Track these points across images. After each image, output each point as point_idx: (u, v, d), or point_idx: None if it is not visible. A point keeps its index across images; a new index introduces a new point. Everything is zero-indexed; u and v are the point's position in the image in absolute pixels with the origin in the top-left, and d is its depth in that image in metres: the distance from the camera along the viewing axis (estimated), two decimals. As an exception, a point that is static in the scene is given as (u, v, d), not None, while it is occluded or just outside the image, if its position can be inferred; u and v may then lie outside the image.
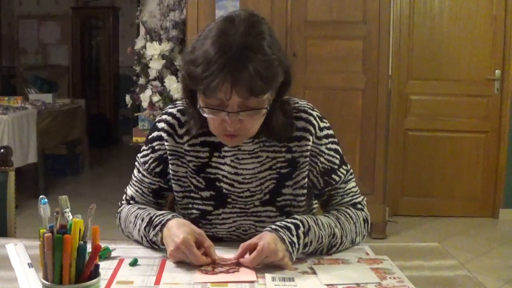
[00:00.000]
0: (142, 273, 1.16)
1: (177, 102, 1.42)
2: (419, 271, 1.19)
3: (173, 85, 3.70)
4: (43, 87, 6.21)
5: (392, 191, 4.32)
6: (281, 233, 1.21)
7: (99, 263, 0.95)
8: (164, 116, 1.38)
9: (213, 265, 1.19)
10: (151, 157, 1.38)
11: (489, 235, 4.06)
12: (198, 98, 1.23)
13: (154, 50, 3.72)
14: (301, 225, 1.24)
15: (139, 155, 1.41)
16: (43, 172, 4.91)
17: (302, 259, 1.24)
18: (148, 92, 3.75)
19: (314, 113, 1.36)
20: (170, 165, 1.36)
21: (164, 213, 1.30)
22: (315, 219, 1.28)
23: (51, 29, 7.85)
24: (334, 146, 1.37)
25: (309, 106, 1.38)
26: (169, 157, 1.36)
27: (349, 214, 1.36)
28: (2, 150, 1.64)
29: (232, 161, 1.34)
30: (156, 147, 1.37)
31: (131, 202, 1.43)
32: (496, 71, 4.30)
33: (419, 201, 4.45)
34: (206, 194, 1.35)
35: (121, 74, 7.69)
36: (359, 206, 1.40)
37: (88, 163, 6.06)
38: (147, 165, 1.39)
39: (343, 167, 1.39)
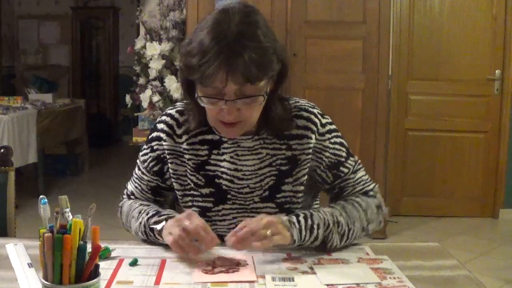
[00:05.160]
0: (142, 273, 1.16)
1: (177, 103, 1.45)
2: (419, 271, 1.19)
3: (173, 85, 3.70)
4: (43, 87, 6.21)
5: (392, 191, 4.32)
6: (280, 215, 1.26)
7: (99, 263, 0.95)
8: (163, 118, 1.41)
9: (213, 264, 1.19)
10: (150, 156, 1.42)
11: (489, 235, 4.06)
12: (196, 90, 1.24)
13: (154, 50, 3.72)
14: (301, 213, 1.28)
15: (140, 153, 1.45)
16: (43, 172, 4.91)
17: (302, 259, 1.24)
18: (148, 92, 3.75)
19: (315, 111, 1.38)
20: (169, 164, 1.39)
21: (172, 211, 1.36)
22: (317, 209, 1.31)
23: (51, 29, 7.84)
24: (338, 140, 1.39)
25: (309, 105, 1.39)
26: (168, 157, 1.38)
27: (357, 202, 1.37)
28: (2, 150, 1.64)
29: (231, 157, 1.35)
30: (155, 147, 1.40)
31: (132, 197, 1.48)
32: (496, 71, 4.30)
33: (419, 201, 4.45)
34: (206, 191, 1.37)
35: (121, 74, 7.69)
36: (371, 193, 1.41)
37: (88, 163, 6.06)
38: (146, 164, 1.43)
39: (351, 158, 1.40)
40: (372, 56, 3.67)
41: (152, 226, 1.30)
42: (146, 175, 1.43)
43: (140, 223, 1.34)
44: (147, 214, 1.34)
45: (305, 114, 1.36)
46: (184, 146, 1.37)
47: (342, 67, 3.70)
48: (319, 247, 1.28)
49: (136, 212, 1.38)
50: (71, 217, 0.97)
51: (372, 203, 1.38)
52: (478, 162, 4.41)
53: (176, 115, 1.39)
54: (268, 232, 1.18)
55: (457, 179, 4.43)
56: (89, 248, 0.92)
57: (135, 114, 4.00)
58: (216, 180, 1.36)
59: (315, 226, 1.25)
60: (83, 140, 5.91)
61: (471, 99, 4.36)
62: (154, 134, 1.41)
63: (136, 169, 1.46)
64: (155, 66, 3.74)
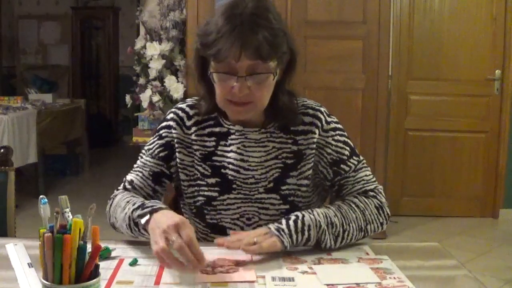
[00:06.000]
0: (142, 273, 1.16)
1: (187, 99, 1.49)
2: (419, 271, 1.19)
3: (173, 85, 3.70)
4: (43, 87, 6.21)
5: (392, 191, 4.32)
6: (268, 225, 1.28)
7: (99, 263, 0.95)
8: (173, 110, 1.46)
9: (213, 265, 1.19)
10: (156, 144, 1.43)
11: (489, 235, 4.06)
12: (209, 69, 1.30)
13: (154, 50, 3.72)
14: (292, 216, 1.29)
15: (145, 147, 1.47)
16: (43, 172, 4.90)
17: (302, 259, 1.24)
18: (148, 92, 3.74)
19: (322, 109, 1.42)
20: (177, 153, 1.41)
21: (158, 202, 1.29)
22: (309, 211, 1.32)
23: (51, 29, 7.84)
24: (342, 138, 1.42)
25: (316, 104, 1.44)
26: (176, 145, 1.42)
27: (354, 202, 1.37)
28: (2, 150, 1.64)
29: (238, 148, 1.38)
30: (163, 134, 1.43)
31: (128, 187, 1.43)
32: (496, 71, 4.30)
33: (419, 201, 4.45)
34: (211, 180, 1.39)
35: (121, 74, 7.69)
36: (371, 193, 1.41)
37: (88, 163, 6.06)
38: (151, 151, 1.44)
39: (354, 157, 1.42)
40: (372, 56, 3.67)
41: (136, 220, 1.24)
42: (150, 161, 1.43)
43: (126, 213, 1.29)
44: (133, 205, 1.29)
45: (311, 111, 1.40)
46: (193, 137, 1.41)
47: (342, 67, 3.70)
48: (315, 247, 1.30)
49: (124, 202, 1.34)
50: (71, 217, 0.97)
51: (371, 203, 1.38)
52: (478, 162, 4.41)
53: (187, 109, 1.43)
54: (254, 239, 1.21)
55: (457, 179, 4.43)
56: (89, 248, 0.92)
57: (135, 114, 4.00)
58: (222, 170, 1.39)
59: (306, 228, 1.27)
60: (83, 140, 5.90)
61: (471, 99, 4.36)
62: (164, 123, 1.44)
63: (138, 160, 1.46)
64: (155, 66, 3.74)
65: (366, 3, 3.64)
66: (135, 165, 1.47)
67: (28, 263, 1.19)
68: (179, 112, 1.43)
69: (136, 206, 1.28)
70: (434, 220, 4.33)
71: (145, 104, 3.79)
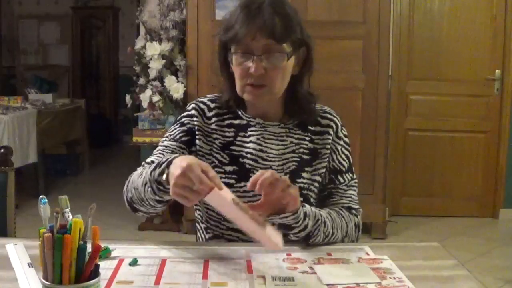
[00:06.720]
0: (142, 273, 1.16)
1: (208, 95, 1.55)
2: (419, 271, 1.19)
3: (173, 85, 3.70)
4: (43, 87, 6.21)
5: (392, 191, 4.32)
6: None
7: (99, 263, 0.95)
8: (195, 101, 1.52)
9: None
10: (178, 130, 1.48)
11: (489, 235, 4.06)
12: (229, 55, 1.39)
13: (154, 50, 3.72)
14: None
15: (166, 134, 1.50)
16: (43, 172, 4.90)
17: (302, 259, 1.25)
18: (148, 92, 3.75)
19: (338, 118, 1.54)
20: (197, 141, 1.46)
21: (170, 155, 1.28)
22: (308, 206, 1.35)
23: (51, 29, 7.84)
24: (347, 152, 1.52)
25: (334, 112, 1.56)
26: (197, 133, 1.46)
27: (341, 213, 1.44)
28: (2, 150, 1.64)
29: (258, 139, 1.44)
30: (185, 122, 1.48)
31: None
32: (496, 71, 4.30)
33: (419, 201, 4.45)
34: (229, 168, 1.43)
35: (121, 74, 7.69)
36: (354, 212, 1.48)
37: (88, 163, 6.06)
38: (173, 136, 1.48)
39: (349, 174, 1.51)
40: (372, 56, 3.67)
41: (158, 179, 1.23)
42: (172, 144, 1.46)
43: (144, 177, 1.28)
44: (149, 167, 1.28)
45: (329, 115, 1.52)
46: (213, 126, 1.46)
47: (342, 67, 3.70)
48: (301, 240, 1.31)
49: (141, 169, 1.36)
50: (71, 217, 0.97)
51: (352, 220, 1.45)
52: (478, 162, 4.41)
53: (208, 102, 1.50)
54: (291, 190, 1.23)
55: (457, 179, 4.43)
56: (89, 248, 0.92)
57: (135, 114, 4.00)
58: (241, 160, 1.43)
59: (307, 218, 1.30)
60: (83, 140, 5.91)
61: (471, 99, 4.36)
62: (185, 113, 1.49)
63: (159, 146, 1.47)
64: (155, 66, 3.74)
65: (366, 3, 3.64)
66: (155, 151, 1.47)
67: (28, 263, 1.19)
68: (200, 104, 1.49)
69: (152, 167, 1.26)
70: (434, 220, 4.33)
71: (145, 104, 3.79)
